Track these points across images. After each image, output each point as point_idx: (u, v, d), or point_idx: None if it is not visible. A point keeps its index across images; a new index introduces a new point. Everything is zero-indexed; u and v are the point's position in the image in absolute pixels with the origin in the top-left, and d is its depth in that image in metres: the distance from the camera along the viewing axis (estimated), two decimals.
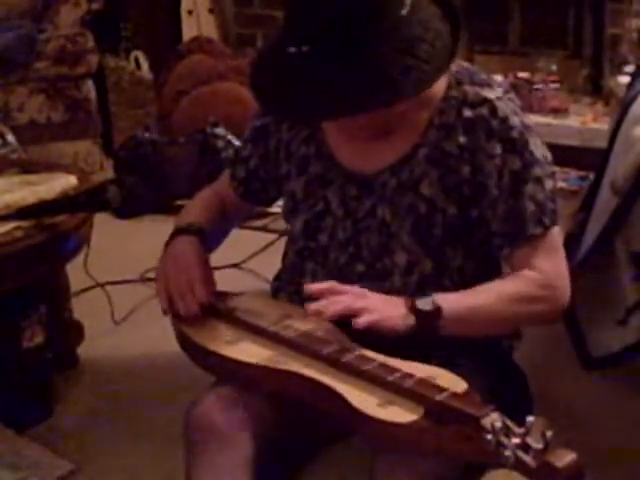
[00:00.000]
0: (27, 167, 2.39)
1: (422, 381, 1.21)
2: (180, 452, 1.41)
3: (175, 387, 2.29)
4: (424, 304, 1.35)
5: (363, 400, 1.22)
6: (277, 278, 1.65)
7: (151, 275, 2.98)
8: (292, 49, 1.33)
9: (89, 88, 4.02)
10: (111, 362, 2.51)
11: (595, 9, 4.08)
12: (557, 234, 1.45)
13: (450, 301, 1.37)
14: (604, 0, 4.04)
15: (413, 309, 1.34)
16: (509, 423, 1.07)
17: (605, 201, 2.29)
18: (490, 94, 1.43)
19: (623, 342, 2.20)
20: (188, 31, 4.91)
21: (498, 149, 1.41)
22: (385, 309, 1.34)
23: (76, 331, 2.50)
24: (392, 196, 1.45)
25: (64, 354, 2.44)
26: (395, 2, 1.34)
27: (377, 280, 1.47)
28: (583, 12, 4.15)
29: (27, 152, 3.34)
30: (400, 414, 1.18)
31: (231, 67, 4.34)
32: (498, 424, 1.06)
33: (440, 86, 1.44)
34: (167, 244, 1.61)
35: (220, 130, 3.72)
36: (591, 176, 2.67)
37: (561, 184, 3.75)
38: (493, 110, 1.41)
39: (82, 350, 2.50)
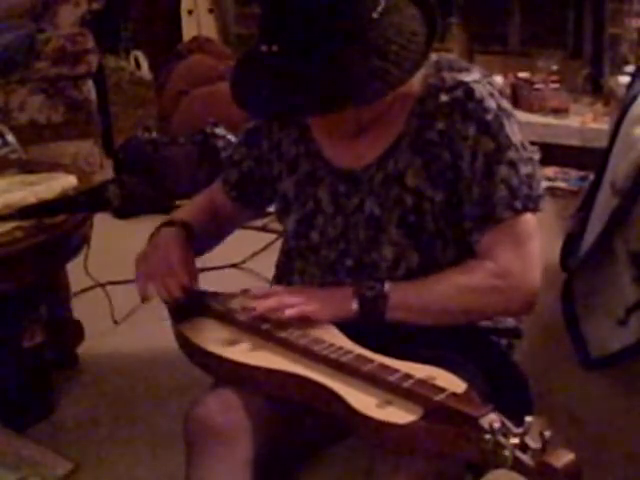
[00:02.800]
0: (27, 167, 2.39)
1: (421, 382, 1.21)
2: (180, 452, 1.41)
3: (175, 387, 2.30)
4: (369, 290, 1.38)
5: (362, 400, 1.22)
6: (275, 278, 1.66)
7: None
8: (263, 47, 1.34)
9: (89, 88, 4.02)
10: (111, 362, 2.51)
11: (595, 9, 4.09)
12: (531, 221, 1.41)
13: (399, 289, 1.39)
14: (604, 0, 4.04)
15: (358, 294, 1.39)
16: (508, 423, 1.07)
17: (605, 201, 2.29)
18: (467, 77, 1.42)
19: (623, 342, 2.20)
20: (188, 31, 4.92)
21: (472, 130, 1.40)
22: (322, 300, 1.40)
23: (76, 331, 2.50)
24: (379, 190, 1.45)
25: (64, 354, 2.44)
26: (367, 4, 1.33)
27: (365, 274, 1.46)
28: (583, 12, 4.15)
29: (27, 152, 3.34)
30: (399, 415, 1.17)
31: (231, 67, 4.34)
32: (497, 424, 1.06)
33: (419, 76, 1.42)
34: (151, 236, 1.62)
35: (220, 130, 3.72)
36: (591, 176, 2.67)
37: (561, 184, 3.75)
38: (469, 92, 1.40)
39: (82, 350, 2.50)
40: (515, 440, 1.04)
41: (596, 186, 2.41)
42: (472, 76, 1.42)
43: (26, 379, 2.20)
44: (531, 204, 1.41)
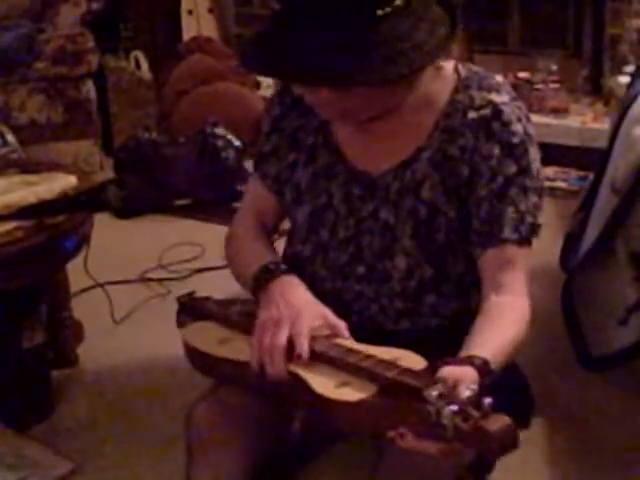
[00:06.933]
0: (27, 167, 2.39)
1: (381, 361, 1.22)
2: (180, 452, 1.41)
3: (175, 387, 2.30)
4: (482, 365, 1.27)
5: (323, 384, 1.23)
6: None
7: (151, 275, 2.99)
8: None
9: (89, 88, 4.02)
10: (111, 362, 2.51)
11: (595, 9, 4.09)
12: (529, 249, 1.43)
13: (491, 353, 1.29)
14: (604, 0, 4.04)
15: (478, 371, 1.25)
16: (452, 393, 1.08)
17: (605, 201, 2.29)
18: (496, 98, 1.42)
19: (623, 342, 2.20)
20: (188, 31, 4.91)
21: (496, 151, 1.40)
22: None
23: (76, 331, 2.50)
24: (395, 199, 1.45)
25: (64, 354, 2.44)
26: None
27: (376, 283, 1.47)
28: (583, 12, 4.15)
29: (27, 152, 3.34)
30: (351, 393, 1.19)
31: (231, 67, 4.34)
32: (438, 393, 1.08)
33: (446, 90, 1.44)
34: (257, 291, 1.44)
35: (220, 130, 3.71)
36: (591, 176, 2.67)
37: (561, 184, 3.76)
38: (496, 113, 1.41)
39: (82, 350, 2.50)
40: (454, 407, 1.06)
41: (596, 186, 2.41)
42: (501, 97, 1.43)
43: (26, 379, 2.20)
44: (533, 234, 1.42)
